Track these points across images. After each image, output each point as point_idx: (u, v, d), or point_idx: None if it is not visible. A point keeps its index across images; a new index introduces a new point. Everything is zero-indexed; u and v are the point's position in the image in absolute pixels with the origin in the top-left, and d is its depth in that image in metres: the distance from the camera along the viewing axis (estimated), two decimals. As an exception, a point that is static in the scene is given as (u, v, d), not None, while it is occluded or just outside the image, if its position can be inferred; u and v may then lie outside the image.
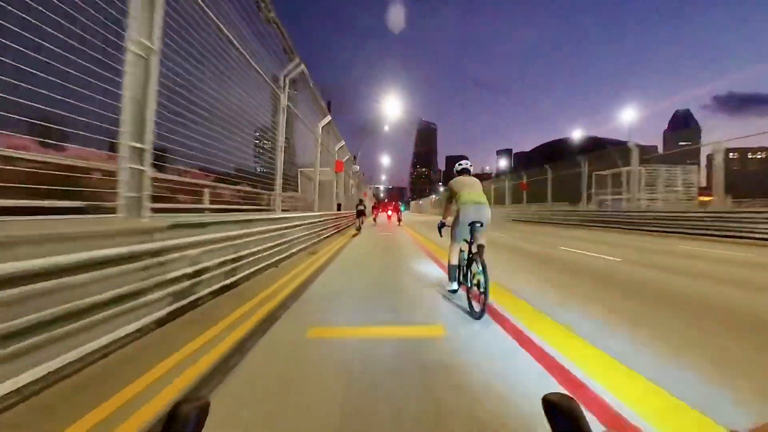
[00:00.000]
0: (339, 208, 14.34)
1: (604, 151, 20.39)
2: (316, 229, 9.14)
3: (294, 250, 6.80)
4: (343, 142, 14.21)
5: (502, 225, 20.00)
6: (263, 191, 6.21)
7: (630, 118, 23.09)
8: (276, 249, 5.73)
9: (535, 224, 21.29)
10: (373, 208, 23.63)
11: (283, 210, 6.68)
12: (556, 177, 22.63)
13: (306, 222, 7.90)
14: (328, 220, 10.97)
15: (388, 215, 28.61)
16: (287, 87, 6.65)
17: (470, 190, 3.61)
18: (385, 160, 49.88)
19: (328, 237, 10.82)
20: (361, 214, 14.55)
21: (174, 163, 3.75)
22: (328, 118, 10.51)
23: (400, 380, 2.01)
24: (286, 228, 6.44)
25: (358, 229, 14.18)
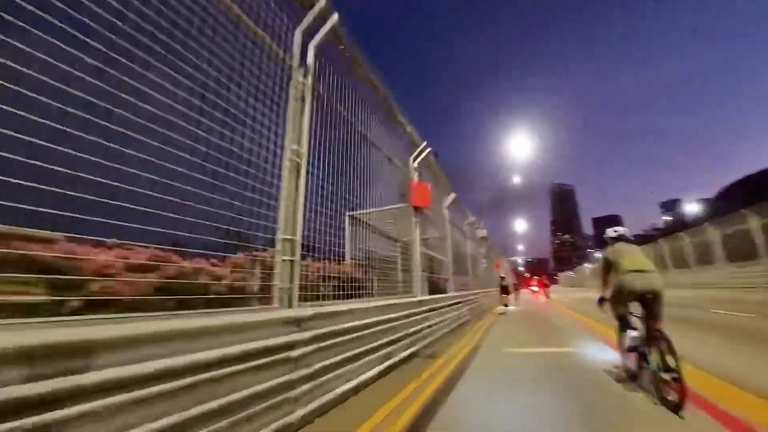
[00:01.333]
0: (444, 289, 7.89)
1: None
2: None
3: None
4: (431, 153, 6.94)
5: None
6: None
7: None
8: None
9: None
10: (515, 284, 20.75)
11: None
12: None
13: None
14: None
15: (532, 290, 25.23)
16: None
17: (631, 257, 3.23)
18: (519, 227, 44.10)
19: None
20: (505, 290, 14.17)
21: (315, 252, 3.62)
22: None
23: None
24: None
25: (506, 305, 13.96)
